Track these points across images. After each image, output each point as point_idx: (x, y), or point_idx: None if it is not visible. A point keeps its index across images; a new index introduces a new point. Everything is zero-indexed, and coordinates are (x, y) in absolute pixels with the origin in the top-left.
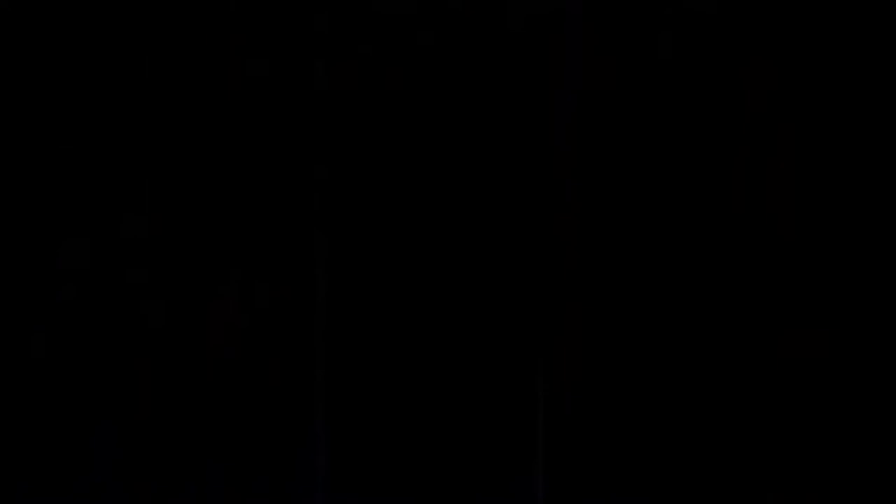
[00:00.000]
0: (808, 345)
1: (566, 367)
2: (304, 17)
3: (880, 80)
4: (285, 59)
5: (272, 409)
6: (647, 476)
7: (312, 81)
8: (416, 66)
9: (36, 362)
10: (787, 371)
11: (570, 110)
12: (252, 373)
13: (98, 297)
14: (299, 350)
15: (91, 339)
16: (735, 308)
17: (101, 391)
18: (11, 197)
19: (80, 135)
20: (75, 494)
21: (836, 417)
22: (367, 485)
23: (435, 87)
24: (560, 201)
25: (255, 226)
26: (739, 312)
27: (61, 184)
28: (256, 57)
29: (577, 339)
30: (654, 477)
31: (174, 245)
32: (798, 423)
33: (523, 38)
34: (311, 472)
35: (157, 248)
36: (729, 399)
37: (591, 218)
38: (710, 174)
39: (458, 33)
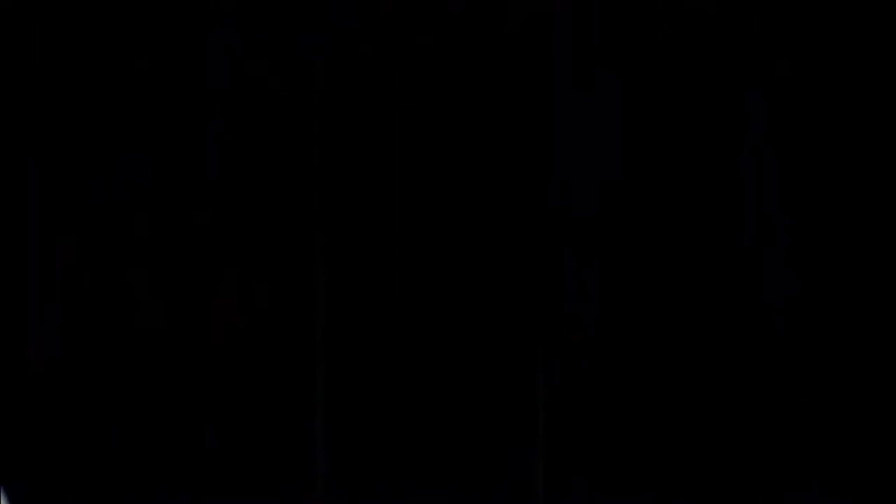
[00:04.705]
0: (808, 345)
1: (566, 367)
2: (305, 18)
3: (881, 80)
4: (285, 59)
5: (272, 409)
6: (647, 475)
7: (312, 81)
8: (416, 66)
9: (36, 362)
10: (787, 370)
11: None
12: (252, 373)
13: (98, 297)
14: (299, 350)
15: (91, 339)
16: (735, 307)
17: (100, 391)
18: (11, 196)
19: (79, 134)
20: (75, 494)
21: (835, 417)
22: (367, 484)
23: (435, 87)
24: (560, 200)
25: (254, 226)
26: (739, 311)
27: (61, 183)
28: (256, 57)
29: (578, 338)
30: (655, 475)
31: (174, 245)
32: (798, 422)
33: (523, 38)
34: (310, 472)
35: (157, 248)
36: (730, 397)
37: (591, 217)
38: (710, 173)
39: (458, 33)
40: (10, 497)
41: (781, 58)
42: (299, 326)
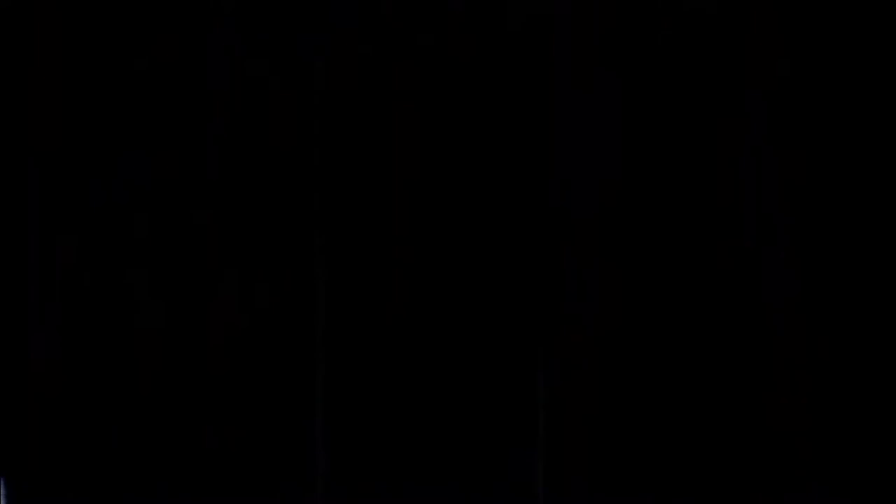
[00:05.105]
0: (808, 345)
1: (566, 367)
2: (305, 18)
3: (881, 80)
4: (285, 59)
5: (272, 409)
6: (647, 475)
7: (312, 81)
8: (416, 66)
9: (36, 362)
10: (787, 370)
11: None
12: (252, 373)
13: (98, 297)
14: (299, 350)
15: (91, 339)
16: (735, 307)
17: (100, 391)
18: (11, 196)
19: (79, 134)
20: (75, 493)
21: (835, 417)
22: (367, 484)
23: (435, 87)
24: (560, 200)
25: (254, 226)
26: (739, 311)
27: (61, 183)
28: (256, 57)
29: (578, 338)
30: (655, 475)
31: (174, 245)
32: (798, 422)
33: (523, 38)
34: (310, 472)
35: (157, 248)
36: (730, 397)
37: (591, 217)
38: (710, 173)
39: (458, 33)
40: (9, 495)
41: (781, 58)
42: (299, 326)
